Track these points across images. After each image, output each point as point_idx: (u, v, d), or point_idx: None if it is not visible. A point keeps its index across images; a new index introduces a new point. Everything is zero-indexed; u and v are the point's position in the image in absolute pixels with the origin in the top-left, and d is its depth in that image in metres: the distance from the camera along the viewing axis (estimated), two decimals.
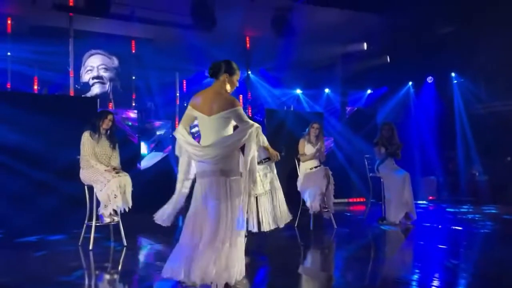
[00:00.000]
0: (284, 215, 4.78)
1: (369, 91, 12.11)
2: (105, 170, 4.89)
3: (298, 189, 6.30)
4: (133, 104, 10.28)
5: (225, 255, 3.14)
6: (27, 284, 3.66)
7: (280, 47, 10.27)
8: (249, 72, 11.30)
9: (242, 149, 3.93)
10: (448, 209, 8.74)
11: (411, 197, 6.65)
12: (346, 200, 9.82)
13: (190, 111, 3.41)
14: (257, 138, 3.28)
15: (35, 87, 8.56)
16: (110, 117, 5.15)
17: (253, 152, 3.28)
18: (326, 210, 6.19)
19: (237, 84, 3.49)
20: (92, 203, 4.95)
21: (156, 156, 9.35)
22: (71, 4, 8.62)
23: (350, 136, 10.18)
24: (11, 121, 6.45)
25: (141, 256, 4.88)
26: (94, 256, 4.64)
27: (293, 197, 6.58)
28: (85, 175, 4.96)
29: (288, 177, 6.98)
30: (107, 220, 4.92)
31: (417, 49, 10.25)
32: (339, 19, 9.57)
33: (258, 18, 9.53)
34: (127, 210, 4.91)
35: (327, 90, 12.00)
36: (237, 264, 3.18)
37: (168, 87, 10.57)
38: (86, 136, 5.01)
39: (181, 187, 3.66)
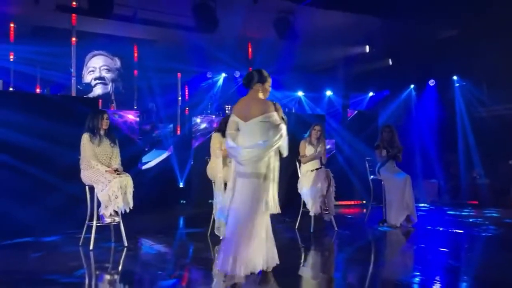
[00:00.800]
0: None
1: (371, 94, 12.11)
2: (106, 171, 4.89)
3: (299, 191, 6.30)
4: (135, 105, 10.29)
5: (262, 246, 3.56)
6: (27, 284, 3.66)
7: (282, 49, 10.29)
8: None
9: None
10: (449, 212, 8.72)
11: (412, 200, 6.65)
12: (347, 202, 9.81)
13: (232, 117, 3.78)
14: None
15: (38, 87, 8.58)
16: (106, 115, 5.18)
17: (286, 153, 3.70)
18: (326, 212, 6.19)
19: (270, 90, 3.85)
20: (93, 203, 4.96)
21: (158, 157, 9.36)
22: (73, 5, 8.64)
23: (351, 139, 10.18)
24: (13, 121, 6.46)
25: (142, 257, 4.88)
26: (95, 256, 4.64)
27: (293, 199, 6.59)
28: (86, 176, 4.97)
29: (289, 179, 6.98)
30: (108, 220, 4.92)
31: (419, 52, 10.24)
32: (342, 22, 9.58)
33: (260, 21, 9.54)
34: (127, 210, 4.92)
35: (328, 93, 12.00)
36: (271, 252, 3.63)
37: (170, 89, 10.59)
38: (86, 138, 5.01)
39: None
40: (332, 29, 9.59)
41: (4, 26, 8.53)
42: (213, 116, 9.79)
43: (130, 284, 3.80)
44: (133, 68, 10.41)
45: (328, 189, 6.12)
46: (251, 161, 3.56)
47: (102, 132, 5.12)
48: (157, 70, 10.11)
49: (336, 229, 6.19)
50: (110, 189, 4.76)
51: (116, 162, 5.15)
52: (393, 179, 6.64)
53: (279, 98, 11.42)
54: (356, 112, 11.12)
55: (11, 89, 7.69)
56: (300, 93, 11.81)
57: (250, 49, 11.11)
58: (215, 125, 8.50)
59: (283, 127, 3.63)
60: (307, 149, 6.40)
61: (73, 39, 8.93)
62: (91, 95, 10.11)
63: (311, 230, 6.10)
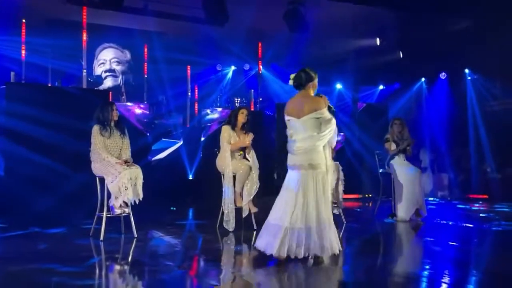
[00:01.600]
0: None
1: (381, 87, 12.02)
2: (116, 163, 4.93)
3: None
4: (145, 98, 10.33)
5: (327, 233, 3.87)
6: (38, 273, 3.72)
7: (292, 42, 10.23)
8: (261, 67, 11.28)
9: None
10: (459, 206, 8.67)
11: (422, 194, 6.62)
12: (356, 195, 9.79)
13: (285, 117, 4.10)
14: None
15: (49, 79, 8.65)
16: (115, 107, 5.22)
17: (334, 144, 4.22)
18: (335, 205, 6.18)
19: (316, 85, 4.11)
20: (103, 194, 5.01)
21: (169, 147, 9.36)
22: None
23: (361, 132, 10.13)
24: (25, 112, 6.53)
25: (151, 248, 4.92)
26: (105, 247, 4.69)
27: None
28: (96, 168, 5.02)
29: None
30: (117, 211, 4.97)
31: (431, 45, 10.13)
32: (353, 14, 9.50)
33: (271, 13, 9.49)
34: (137, 202, 4.96)
35: (339, 86, 11.93)
36: (334, 239, 3.94)
37: (179, 81, 10.60)
38: (96, 130, 5.05)
39: None
40: (343, 21, 9.51)
41: (15, 19, 8.59)
42: (222, 108, 9.79)
43: (140, 275, 3.84)
44: (143, 61, 10.43)
45: (337, 182, 6.11)
46: (305, 152, 3.92)
47: (112, 124, 5.16)
48: (167, 62, 10.11)
49: (345, 222, 6.19)
50: (120, 180, 4.80)
51: (127, 154, 5.19)
52: (403, 173, 6.60)
53: (289, 91, 11.38)
54: (366, 105, 11.06)
55: (23, 81, 7.76)
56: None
57: (260, 42, 11.07)
58: (224, 117, 8.50)
59: (333, 121, 3.99)
60: None
61: (84, 31, 8.97)
62: (101, 87, 10.16)
63: None
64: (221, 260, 4.44)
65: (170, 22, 9.68)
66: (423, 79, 11.38)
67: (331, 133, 4.00)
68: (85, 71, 8.96)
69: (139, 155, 6.81)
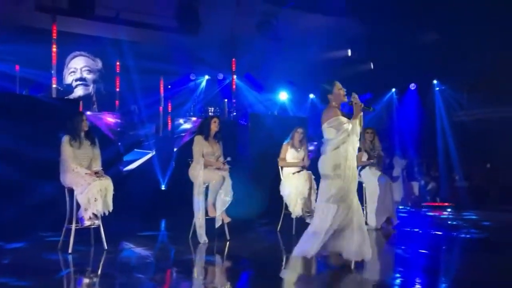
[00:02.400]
0: None
1: None
2: (86, 174, 4.83)
3: (281, 193, 6.31)
4: (116, 107, 10.19)
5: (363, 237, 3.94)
6: None
7: (265, 52, 10.31)
8: (235, 77, 11.31)
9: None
10: (428, 214, 8.84)
11: (393, 202, 6.72)
12: None
13: None
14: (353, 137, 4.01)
15: (17, 87, 8.43)
16: (84, 117, 5.13)
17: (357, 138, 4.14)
18: (308, 214, 6.21)
19: (340, 92, 4.20)
20: (72, 205, 4.89)
21: (141, 157, 9.26)
22: (54, 5, 8.53)
23: None
24: None
25: (122, 260, 4.82)
26: (74, 259, 4.57)
27: (275, 201, 6.59)
28: (65, 178, 4.91)
29: (271, 181, 6.99)
30: (87, 223, 4.85)
31: (401, 56, 10.39)
32: (324, 25, 9.66)
33: (244, 23, 9.56)
34: (107, 213, 4.86)
35: (311, 96, 12.06)
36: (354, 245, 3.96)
37: (152, 90, 10.51)
38: (65, 141, 4.94)
39: None
40: (315, 33, 9.65)
41: None
42: (196, 118, 9.75)
43: None
44: (115, 70, 10.30)
45: (310, 191, 6.14)
46: (321, 160, 4.07)
47: (82, 134, 5.06)
48: (139, 71, 10.02)
49: None
50: (89, 191, 4.70)
51: (97, 165, 5.10)
52: (374, 181, 6.70)
53: (262, 101, 11.44)
54: None
55: None
56: (283, 96, 11.84)
57: (233, 52, 11.10)
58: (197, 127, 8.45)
59: (344, 127, 4.00)
60: (289, 152, 6.41)
61: (54, 39, 8.81)
62: (72, 96, 9.97)
63: (293, 233, 6.11)
64: (193, 272, 4.39)
65: (142, 31, 9.62)
66: (393, 89, 11.64)
67: (342, 139, 4.00)
68: (54, 79, 8.77)
69: (110, 165, 6.68)
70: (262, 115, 9.99)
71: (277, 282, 3.85)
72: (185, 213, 6.28)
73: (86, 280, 3.99)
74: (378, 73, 11.29)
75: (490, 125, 10.20)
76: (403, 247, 5.70)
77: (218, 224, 5.58)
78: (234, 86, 11.26)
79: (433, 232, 6.67)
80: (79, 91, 10.32)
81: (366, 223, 6.57)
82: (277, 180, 6.52)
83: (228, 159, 5.80)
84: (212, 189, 5.54)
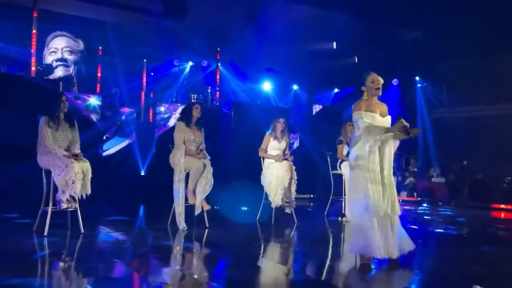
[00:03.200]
0: None
1: (336, 90, 12.26)
2: (64, 156, 4.75)
3: (261, 182, 6.33)
4: (98, 90, 10.02)
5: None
6: None
7: (250, 41, 10.26)
8: (219, 65, 11.23)
9: None
10: (405, 208, 8.98)
11: None
12: (308, 195, 9.94)
13: None
14: (370, 136, 3.79)
15: None
16: (64, 98, 5.01)
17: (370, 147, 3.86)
18: (288, 204, 6.24)
19: (373, 85, 4.04)
20: (49, 188, 4.80)
21: (119, 143, 9.17)
22: None
23: (315, 133, 10.30)
24: None
25: (99, 245, 4.78)
26: (49, 243, 4.50)
27: (256, 190, 6.61)
28: (43, 160, 4.81)
29: (252, 171, 6.99)
30: (64, 206, 4.78)
31: (384, 51, 10.48)
32: (310, 17, 9.64)
33: (230, 11, 9.47)
34: (84, 197, 4.80)
35: (295, 87, 12.07)
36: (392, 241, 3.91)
37: (134, 74, 10.36)
38: (44, 122, 4.83)
39: None
40: (301, 24, 9.63)
41: None
42: (179, 104, 9.66)
43: (86, 272, 3.71)
44: (97, 51, 10.10)
45: (290, 182, 6.17)
46: (350, 153, 4.00)
47: (61, 116, 4.96)
48: (122, 54, 9.86)
49: (296, 221, 6.26)
50: (67, 173, 4.62)
51: (76, 147, 5.01)
52: None
53: (246, 90, 11.41)
54: (321, 107, 11.24)
55: None
56: (267, 86, 11.84)
57: (218, 39, 11.01)
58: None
59: (361, 125, 3.85)
60: (271, 144, 6.42)
61: (35, 17, 8.58)
62: (51, 77, 9.75)
63: (272, 222, 6.15)
64: (171, 258, 4.37)
65: (126, 13, 9.45)
66: None
67: (361, 135, 3.86)
68: (33, 58, 8.57)
69: (90, 149, 6.59)
70: (245, 104, 9.98)
71: (255, 271, 3.86)
72: (164, 199, 6.26)
73: (61, 264, 3.94)
74: (361, 67, 11.34)
75: (469, 122, 10.39)
76: None
77: (197, 211, 5.56)
78: (218, 76, 11.19)
79: (409, 226, 6.78)
80: (59, 72, 10.10)
81: (345, 215, 6.68)
82: (258, 169, 6.52)
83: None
84: (193, 176, 5.52)
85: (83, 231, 4.86)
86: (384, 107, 4.09)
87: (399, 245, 3.95)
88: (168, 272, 3.83)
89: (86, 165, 4.80)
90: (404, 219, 7.57)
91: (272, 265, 4.18)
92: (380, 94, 4.06)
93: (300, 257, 4.65)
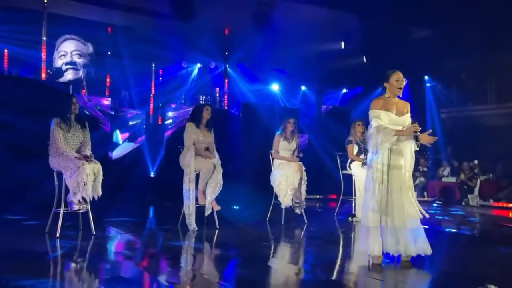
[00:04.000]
0: None
1: (344, 90, 12.23)
2: (75, 157, 4.78)
3: (271, 183, 6.32)
4: (107, 93, 10.09)
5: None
6: None
7: (259, 42, 10.27)
8: (227, 66, 11.25)
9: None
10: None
11: None
12: (318, 196, 9.92)
13: None
14: (380, 137, 3.80)
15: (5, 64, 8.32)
16: (75, 100, 5.05)
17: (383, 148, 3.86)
18: (297, 205, 6.24)
19: (397, 84, 4.01)
20: (60, 189, 4.84)
21: (128, 146, 9.22)
22: None
23: (324, 134, 10.28)
24: None
25: (110, 245, 4.80)
26: (61, 244, 4.53)
27: (266, 191, 6.61)
28: (54, 162, 4.85)
29: (261, 171, 7.00)
30: (76, 207, 4.81)
31: (393, 51, 10.43)
32: (319, 17, 9.63)
33: (238, 12, 9.49)
34: (96, 198, 4.83)
35: (303, 87, 12.06)
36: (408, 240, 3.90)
37: (143, 77, 10.42)
38: (56, 124, 4.87)
39: None
40: (310, 24, 9.63)
41: None
42: (187, 106, 9.70)
43: (97, 273, 3.73)
44: (106, 54, 10.17)
45: (300, 182, 6.17)
46: (369, 152, 3.96)
47: (72, 117, 5.00)
48: (131, 57, 9.92)
49: (306, 222, 6.25)
50: (79, 175, 4.66)
51: (87, 148, 5.05)
52: (363, 174, 6.70)
53: (254, 91, 11.43)
54: (330, 107, 11.22)
55: None
56: (275, 87, 11.84)
57: (226, 41, 11.04)
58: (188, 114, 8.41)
59: (373, 124, 3.88)
60: (281, 144, 6.42)
61: (44, 21, 8.67)
62: (61, 80, 9.84)
63: (282, 223, 6.14)
64: (181, 258, 4.39)
65: (135, 16, 9.51)
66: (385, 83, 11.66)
67: (374, 135, 3.86)
68: (44, 62, 8.65)
69: (100, 151, 6.64)
70: (254, 105, 9.99)
71: (266, 270, 3.86)
72: (173, 200, 6.28)
73: (74, 265, 3.96)
74: (370, 66, 11.31)
75: (479, 121, 10.32)
76: None
77: (207, 212, 5.57)
78: (226, 77, 11.22)
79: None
80: (69, 75, 10.18)
81: (355, 215, 6.65)
82: (267, 170, 6.52)
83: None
84: (203, 177, 5.53)
85: (94, 232, 4.89)
86: (404, 106, 4.08)
87: (415, 246, 3.90)
88: (179, 272, 3.84)
89: (97, 167, 4.83)
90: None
91: (282, 265, 4.18)
92: (401, 94, 4.05)
93: (311, 257, 4.64)
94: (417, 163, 11.16)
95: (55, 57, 10.12)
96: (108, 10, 9.08)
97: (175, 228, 5.59)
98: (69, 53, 10.22)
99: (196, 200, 5.52)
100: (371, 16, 9.71)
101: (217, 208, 5.61)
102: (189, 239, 5.11)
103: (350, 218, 6.74)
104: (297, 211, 6.32)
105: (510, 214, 8.77)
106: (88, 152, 5.00)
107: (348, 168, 6.95)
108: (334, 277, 3.81)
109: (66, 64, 10.19)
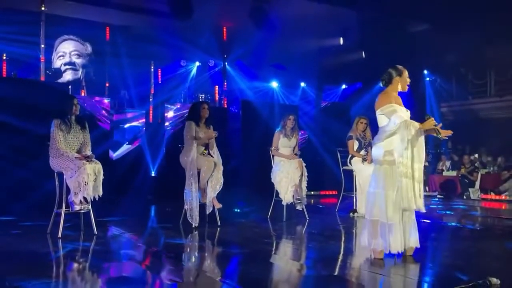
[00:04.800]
0: None
1: (343, 86, 12.22)
2: (76, 158, 4.79)
3: (272, 180, 6.32)
4: (106, 92, 10.08)
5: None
6: None
7: (257, 39, 10.26)
8: (226, 63, 11.24)
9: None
10: None
11: None
12: (319, 192, 9.92)
13: None
14: (407, 131, 3.75)
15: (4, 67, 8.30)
16: (76, 101, 5.05)
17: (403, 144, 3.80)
18: (298, 201, 6.24)
19: (407, 80, 4.08)
20: (61, 190, 4.85)
21: (129, 146, 9.22)
22: None
23: (324, 130, 10.28)
24: None
25: (112, 245, 4.81)
26: (63, 244, 4.54)
27: (266, 188, 6.61)
28: (55, 163, 4.86)
29: (262, 168, 7.00)
30: (77, 208, 4.82)
31: (392, 46, 10.42)
32: (317, 13, 9.62)
33: (236, 9, 9.48)
34: (97, 198, 4.84)
35: (302, 84, 12.04)
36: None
37: (142, 76, 10.41)
38: (56, 125, 4.87)
39: None
40: (308, 20, 9.61)
41: None
42: (186, 104, 9.68)
43: (100, 272, 3.74)
44: (105, 54, 10.16)
45: (301, 178, 6.17)
46: (375, 147, 3.94)
47: (72, 118, 5.00)
48: (129, 56, 9.91)
49: (307, 218, 6.26)
50: (80, 175, 4.66)
51: (87, 149, 5.05)
52: (364, 170, 6.72)
53: (253, 88, 11.42)
54: (329, 103, 11.21)
55: None
56: (275, 84, 11.83)
57: (225, 38, 11.03)
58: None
59: (396, 119, 3.81)
60: (281, 141, 6.42)
61: (42, 21, 8.66)
62: (60, 80, 9.83)
63: (283, 219, 6.14)
64: (183, 257, 4.40)
65: (133, 15, 9.50)
66: None
67: (396, 130, 3.82)
68: (42, 63, 8.64)
69: (100, 151, 6.65)
70: (253, 102, 9.99)
71: (268, 267, 3.87)
72: (175, 199, 6.28)
73: (76, 265, 3.97)
74: (369, 62, 11.29)
75: (479, 114, 10.31)
76: None
77: (209, 210, 5.58)
78: (225, 75, 11.21)
79: (421, 220, 6.73)
80: (68, 76, 10.17)
81: (356, 211, 6.66)
82: (268, 167, 6.53)
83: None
84: (203, 175, 5.54)
85: (96, 232, 4.90)
86: (400, 99, 4.11)
87: (415, 238, 3.97)
88: (182, 270, 3.85)
89: (97, 167, 4.83)
90: (417, 213, 7.53)
91: (285, 261, 4.19)
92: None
93: (313, 253, 4.65)
94: None
95: (54, 58, 10.11)
96: (105, 9, 9.06)
97: (177, 226, 5.59)
98: (67, 53, 10.21)
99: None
100: (369, 11, 9.70)
101: (218, 206, 5.61)
102: (191, 237, 5.12)
103: (351, 214, 6.75)
104: (298, 207, 6.33)
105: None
106: (89, 152, 5.00)
107: (348, 164, 6.95)
108: (336, 273, 3.81)
109: (65, 64, 10.18)
